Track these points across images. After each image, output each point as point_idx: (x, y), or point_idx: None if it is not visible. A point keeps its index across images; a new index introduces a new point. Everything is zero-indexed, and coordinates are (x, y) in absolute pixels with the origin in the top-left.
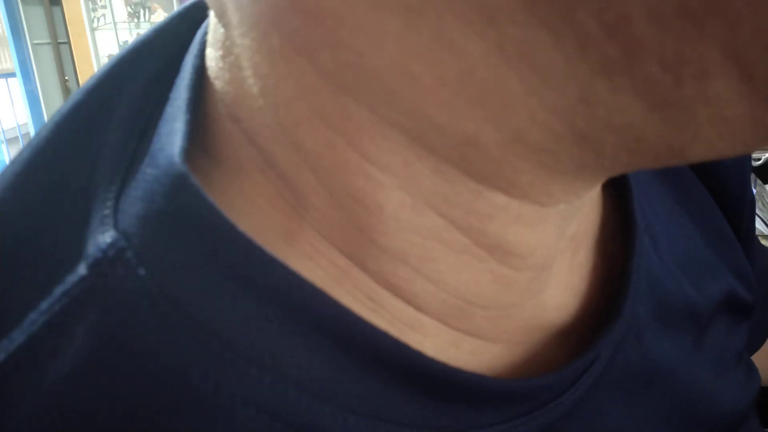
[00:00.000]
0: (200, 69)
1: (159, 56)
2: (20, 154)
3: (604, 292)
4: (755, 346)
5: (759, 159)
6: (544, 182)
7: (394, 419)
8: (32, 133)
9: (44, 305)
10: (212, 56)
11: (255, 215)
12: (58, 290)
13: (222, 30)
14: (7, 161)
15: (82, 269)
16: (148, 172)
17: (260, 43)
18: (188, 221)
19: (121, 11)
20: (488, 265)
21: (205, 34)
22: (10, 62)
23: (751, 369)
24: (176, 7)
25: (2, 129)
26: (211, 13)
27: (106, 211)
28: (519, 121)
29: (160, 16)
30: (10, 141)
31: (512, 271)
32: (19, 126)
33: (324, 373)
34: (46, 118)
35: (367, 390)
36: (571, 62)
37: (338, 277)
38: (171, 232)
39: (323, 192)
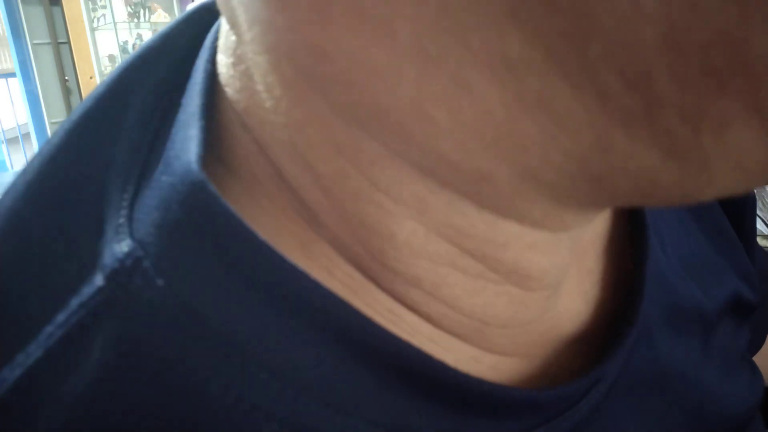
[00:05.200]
0: (212, 74)
1: (167, 61)
2: (31, 162)
3: (615, 297)
4: (755, 348)
5: None
6: (557, 213)
7: (417, 431)
8: (32, 133)
9: (61, 318)
10: (223, 62)
11: (270, 225)
12: (75, 302)
13: (233, 38)
14: (7, 161)
15: (98, 280)
16: (163, 180)
17: (274, 67)
18: (207, 229)
19: (121, 11)
20: (504, 288)
21: (216, 38)
22: (10, 62)
23: (755, 370)
24: (176, 7)
25: (2, 129)
26: (223, 19)
27: (121, 220)
28: (533, 162)
29: (160, 16)
30: (10, 141)
31: (528, 292)
32: (19, 126)
33: (347, 384)
34: (46, 118)
35: (391, 402)
36: (589, 112)
37: (356, 290)
38: (189, 240)
39: (334, 213)
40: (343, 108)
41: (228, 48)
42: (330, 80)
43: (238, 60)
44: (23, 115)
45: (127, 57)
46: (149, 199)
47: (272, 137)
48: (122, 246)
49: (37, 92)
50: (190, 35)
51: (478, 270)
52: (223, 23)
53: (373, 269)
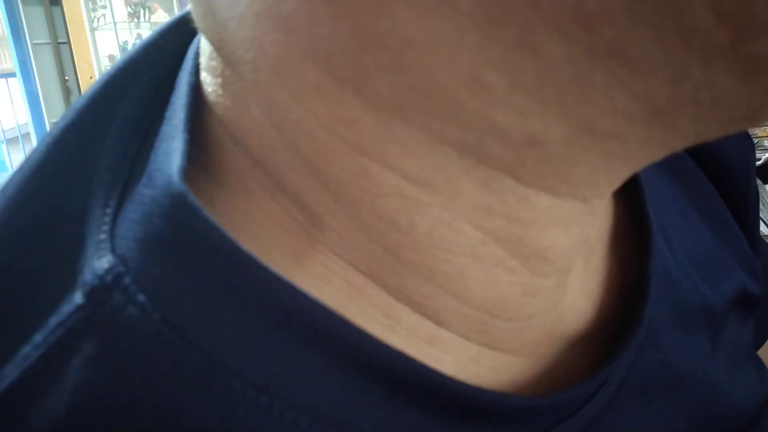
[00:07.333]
0: (196, 87)
1: (151, 73)
2: (13, 177)
3: (621, 297)
4: (758, 344)
5: (759, 159)
6: (596, 173)
7: None
8: (32, 133)
9: (38, 338)
10: (209, 81)
11: (262, 237)
12: (53, 321)
13: (220, 59)
14: (7, 161)
15: (78, 298)
16: (145, 194)
17: (284, 80)
18: (189, 242)
19: (121, 11)
20: (519, 277)
21: (199, 51)
22: (10, 62)
23: (761, 365)
24: (176, 7)
25: (2, 129)
26: (203, 39)
27: (102, 236)
28: (594, 111)
29: (160, 16)
30: (10, 141)
31: (541, 278)
32: (19, 126)
33: (338, 398)
34: (46, 118)
35: (385, 414)
36: (667, 51)
37: (352, 297)
38: (171, 254)
39: (342, 215)
40: (383, 98)
41: (213, 68)
42: (373, 70)
43: (226, 80)
44: (23, 115)
45: (110, 67)
46: (131, 214)
47: (271, 151)
48: (102, 262)
49: (37, 92)
50: (174, 45)
51: (497, 258)
52: (204, 43)
53: (381, 267)
